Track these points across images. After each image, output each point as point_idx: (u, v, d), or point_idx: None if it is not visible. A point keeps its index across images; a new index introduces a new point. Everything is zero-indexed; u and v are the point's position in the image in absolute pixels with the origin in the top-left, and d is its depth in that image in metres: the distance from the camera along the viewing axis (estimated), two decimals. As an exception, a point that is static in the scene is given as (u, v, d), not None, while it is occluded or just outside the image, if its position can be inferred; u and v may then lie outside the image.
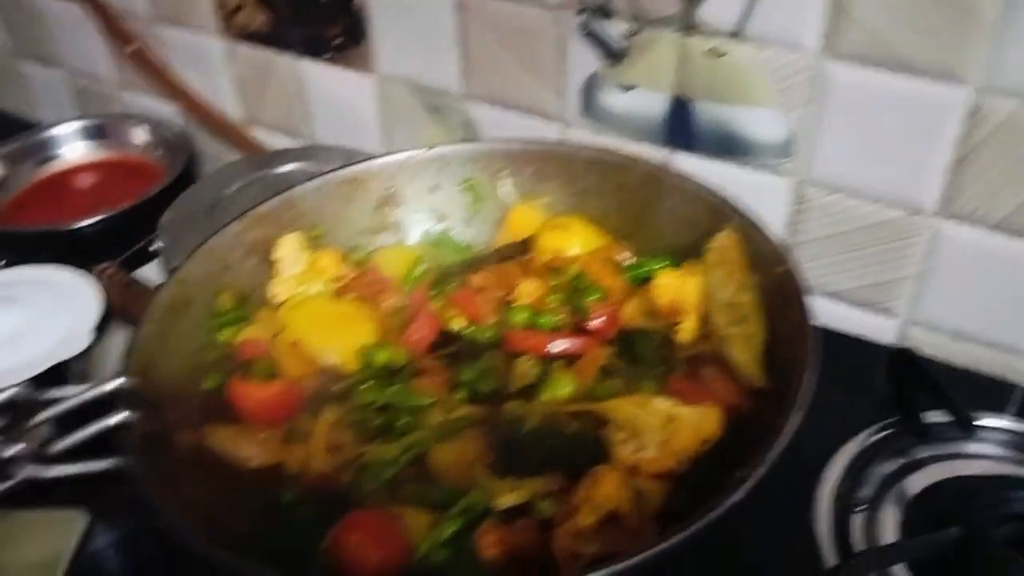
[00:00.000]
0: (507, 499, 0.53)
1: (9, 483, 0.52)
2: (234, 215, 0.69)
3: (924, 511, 0.62)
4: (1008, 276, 0.71)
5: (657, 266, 0.65)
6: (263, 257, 0.69)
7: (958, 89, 0.65)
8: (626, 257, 0.67)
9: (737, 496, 0.45)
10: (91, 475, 0.53)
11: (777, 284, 0.55)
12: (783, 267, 0.55)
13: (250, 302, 0.68)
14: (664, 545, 0.42)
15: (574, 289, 0.63)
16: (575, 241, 0.67)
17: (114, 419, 0.54)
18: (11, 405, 0.56)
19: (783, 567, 0.61)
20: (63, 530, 0.65)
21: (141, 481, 0.50)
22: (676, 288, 0.63)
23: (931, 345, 0.78)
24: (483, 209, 0.74)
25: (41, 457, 0.53)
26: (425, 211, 0.75)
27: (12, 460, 0.53)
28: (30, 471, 0.53)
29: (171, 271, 0.65)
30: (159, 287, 0.64)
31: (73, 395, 0.55)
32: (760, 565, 0.61)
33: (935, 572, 0.57)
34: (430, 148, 0.71)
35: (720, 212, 0.63)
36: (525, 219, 0.70)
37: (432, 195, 0.74)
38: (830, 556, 0.60)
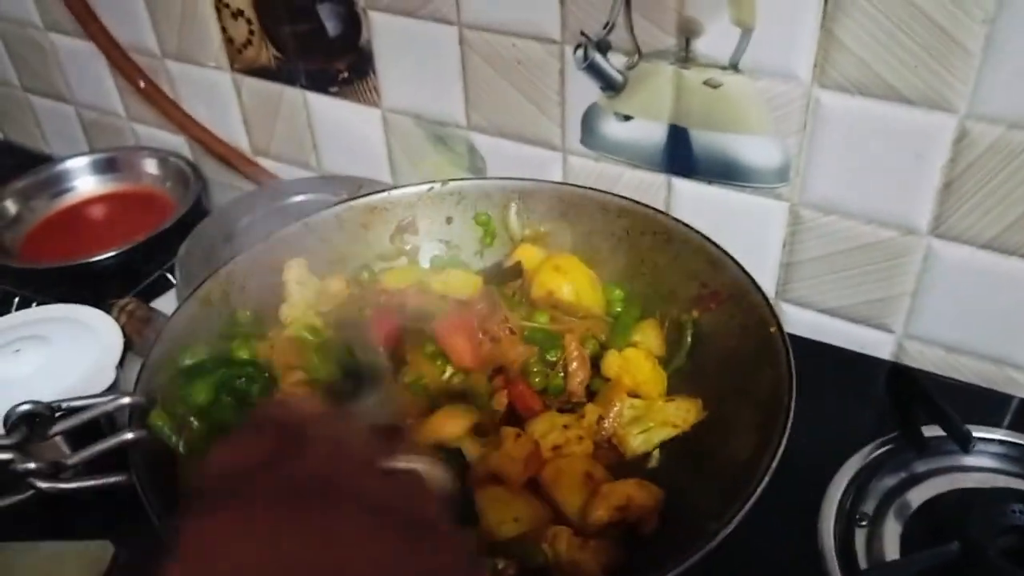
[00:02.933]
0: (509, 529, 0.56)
1: (23, 495, 0.54)
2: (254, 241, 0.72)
3: (924, 525, 0.65)
4: (999, 292, 0.74)
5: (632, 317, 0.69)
6: (279, 280, 0.72)
7: (945, 116, 0.67)
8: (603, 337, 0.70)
9: (708, 548, 0.47)
10: (111, 499, 0.55)
11: (767, 343, 0.58)
12: (774, 327, 0.58)
13: (265, 320, 0.71)
14: None
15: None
16: (569, 283, 0.70)
17: (127, 435, 0.56)
18: (27, 419, 0.57)
19: (789, 583, 0.64)
20: (91, 562, 0.67)
21: (147, 498, 0.52)
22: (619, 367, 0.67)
23: (928, 359, 0.81)
24: (493, 243, 0.77)
25: (56, 472, 0.55)
26: (439, 241, 0.77)
27: (27, 474, 0.55)
28: (45, 485, 0.55)
29: (192, 291, 0.67)
30: (180, 304, 0.66)
31: (87, 408, 0.57)
32: (767, 581, 0.64)
33: (936, 585, 0.60)
34: (445, 183, 0.73)
35: (719, 264, 0.65)
36: (530, 256, 0.72)
37: (447, 226, 0.77)
38: (835, 572, 0.62)
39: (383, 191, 0.72)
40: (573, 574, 0.54)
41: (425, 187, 0.73)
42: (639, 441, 0.62)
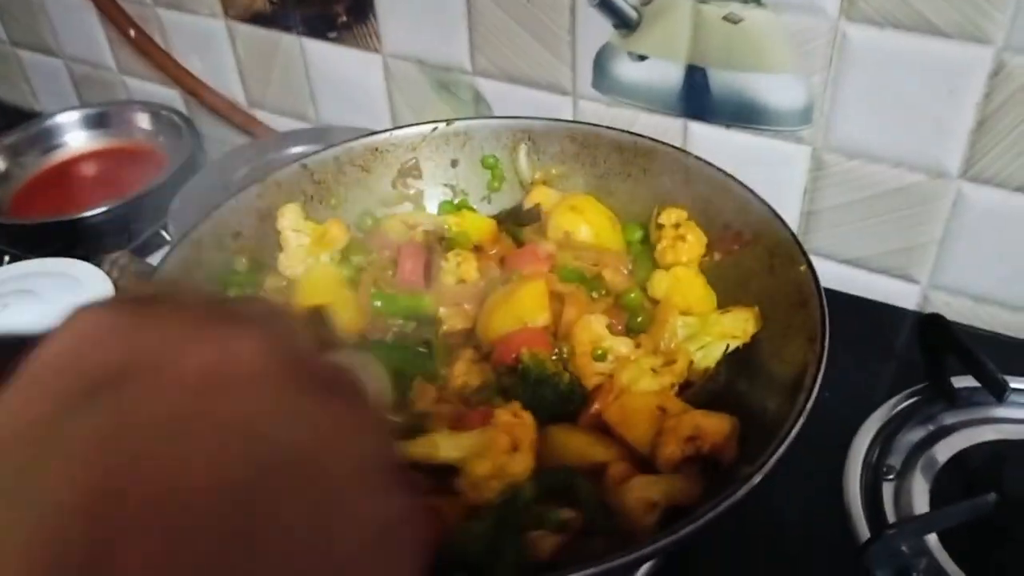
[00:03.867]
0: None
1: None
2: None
3: (955, 478, 0.62)
4: (1032, 238, 0.70)
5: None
6: (274, 226, 0.68)
7: (980, 49, 0.64)
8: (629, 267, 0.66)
9: (742, 493, 0.44)
10: None
11: (795, 283, 0.54)
12: (802, 265, 0.54)
13: (262, 269, 0.67)
14: (672, 538, 0.42)
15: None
16: (587, 223, 0.66)
17: None
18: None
19: (816, 539, 0.61)
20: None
21: None
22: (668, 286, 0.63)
23: (954, 310, 0.78)
24: (502, 188, 0.73)
25: None
26: (444, 186, 0.74)
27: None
28: None
29: (183, 234, 0.63)
30: (171, 249, 0.63)
31: None
32: (793, 537, 0.61)
33: (970, 540, 0.57)
34: (450, 123, 0.70)
35: (742, 203, 0.61)
36: (544, 198, 0.69)
37: (452, 170, 0.73)
38: (862, 527, 0.59)
39: (384, 132, 0.68)
40: (643, 513, 0.51)
41: (429, 127, 0.69)
42: (699, 357, 0.59)
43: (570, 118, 0.85)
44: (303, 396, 0.25)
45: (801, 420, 0.45)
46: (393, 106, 0.96)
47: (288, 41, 0.97)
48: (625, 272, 0.64)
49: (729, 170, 0.79)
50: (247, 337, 0.25)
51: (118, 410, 0.23)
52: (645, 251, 0.66)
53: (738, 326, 0.59)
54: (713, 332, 0.59)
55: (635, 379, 0.57)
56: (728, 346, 0.58)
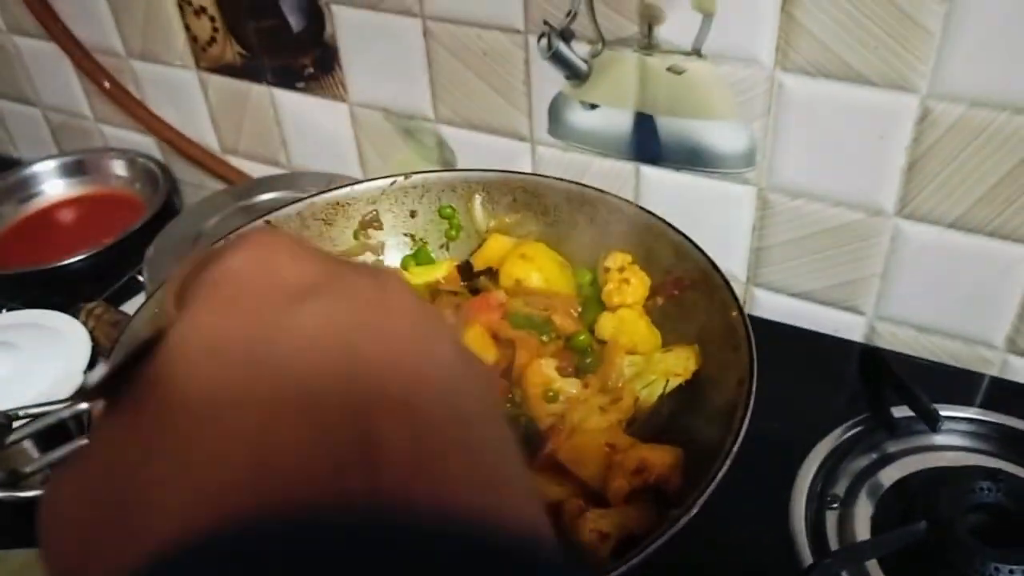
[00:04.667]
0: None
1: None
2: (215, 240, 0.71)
3: (895, 505, 0.65)
4: (968, 271, 0.74)
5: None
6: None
7: (907, 96, 0.67)
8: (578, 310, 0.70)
9: (669, 534, 0.47)
10: None
11: (729, 329, 0.57)
12: (735, 312, 0.58)
13: None
14: (622, 568, 0.45)
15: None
16: (537, 270, 0.70)
17: (84, 441, 0.55)
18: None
19: (762, 565, 0.64)
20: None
21: None
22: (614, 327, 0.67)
23: (899, 340, 0.81)
24: (459, 236, 0.76)
25: (15, 481, 0.54)
26: (404, 235, 0.77)
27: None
28: (2, 495, 0.54)
29: (149, 295, 0.66)
30: (138, 310, 0.65)
31: (46, 415, 0.56)
32: (740, 564, 0.64)
33: (908, 565, 0.60)
34: (408, 176, 0.73)
35: (681, 250, 0.65)
36: (499, 246, 0.72)
37: (411, 220, 0.76)
38: (805, 554, 0.62)
39: (345, 186, 0.71)
40: (597, 545, 0.54)
41: (388, 181, 0.73)
42: (644, 394, 0.62)
43: (529, 163, 0.88)
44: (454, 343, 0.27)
45: (729, 460, 0.48)
46: (361, 152, 0.99)
47: (258, 91, 1.00)
48: (574, 315, 0.67)
49: (681, 210, 0.82)
50: (390, 275, 0.27)
51: (326, 314, 0.24)
52: (594, 293, 0.70)
53: (680, 364, 0.62)
54: (657, 370, 0.62)
55: (585, 417, 0.61)
56: (668, 383, 0.61)
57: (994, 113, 0.65)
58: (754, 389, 0.52)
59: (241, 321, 0.24)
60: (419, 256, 0.77)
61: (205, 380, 0.22)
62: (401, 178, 0.73)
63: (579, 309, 0.68)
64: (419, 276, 0.72)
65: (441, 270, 0.74)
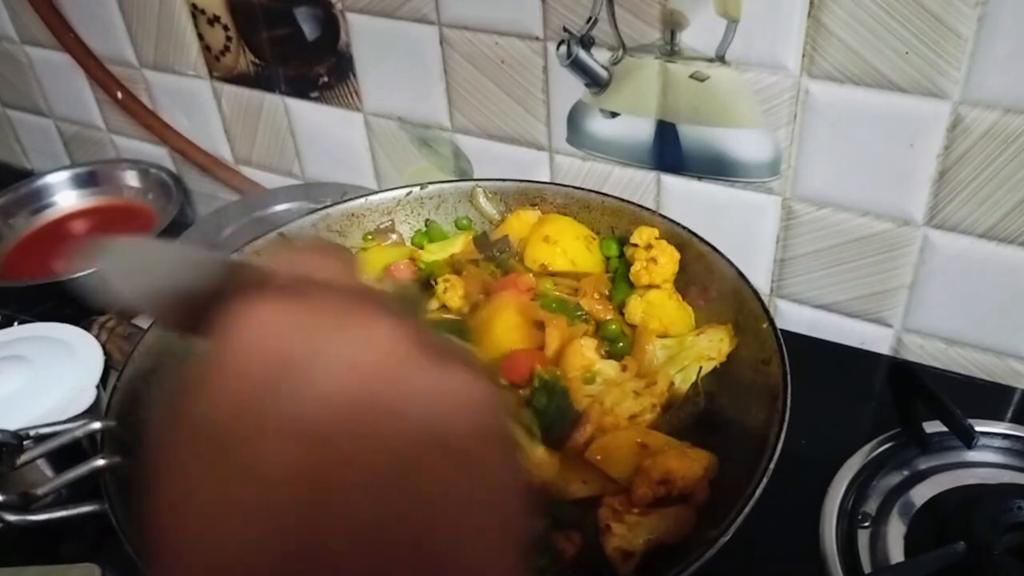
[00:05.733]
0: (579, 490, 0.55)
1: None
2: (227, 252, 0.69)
3: (928, 524, 0.63)
4: (999, 282, 0.72)
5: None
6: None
7: (938, 103, 0.66)
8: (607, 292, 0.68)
9: (706, 556, 0.45)
10: (97, 522, 0.53)
11: (759, 340, 0.56)
12: (765, 323, 0.56)
13: None
14: None
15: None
16: (562, 252, 0.68)
17: (98, 462, 0.54)
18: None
19: (792, 588, 0.62)
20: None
21: (121, 527, 0.50)
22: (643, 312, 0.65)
23: (928, 352, 0.79)
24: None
25: (27, 503, 0.53)
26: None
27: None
28: (14, 518, 0.52)
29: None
30: (147, 328, 0.64)
31: (57, 435, 0.54)
32: (769, 586, 0.62)
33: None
34: (424, 186, 0.71)
35: (707, 261, 0.64)
36: (521, 223, 0.70)
37: (427, 230, 0.74)
38: (838, 575, 0.60)
39: (361, 196, 0.70)
40: (620, 564, 0.52)
41: (403, 191, 0.71)
42: (679, 380, 0.61)
43: (547, 172, 0.87)
44: (435, 371, 0.28)
45: (762, 484, 0.46)
46: (376, 162, 0.98)
47: (272, 101, 0.99)
48: (604, 295, 0.66)
49: (703, 220, 0.81)
50: (384, 324, 0.28)
51: (297, 396, 0.26)
52: (622, 267, 0.68)
53: (713, 346, 0.61)
54: (690, 355, 0.61)
55: (618, 401, 0.59)
56: (701, 369, 0.60)
57: (1029, 120, 0.63)
58: (788, 404, 0.50)
59: (230, 391, 0.26)
60: (432, 233, 0.75)
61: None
62: (417, 188, 0.71)
63: (608, 288, 0.66)
64: (434, 253, 0.70)
65: (457, 245, 0.72)
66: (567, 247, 0.69)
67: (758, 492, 0.46)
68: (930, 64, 0.64)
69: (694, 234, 0.64)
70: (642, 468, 0.55)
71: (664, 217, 0.66)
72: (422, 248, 0.72)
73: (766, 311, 0.57)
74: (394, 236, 0.74)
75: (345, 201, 0.69)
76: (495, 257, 0.68)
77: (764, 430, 0.52)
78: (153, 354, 0.61)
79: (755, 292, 0.58)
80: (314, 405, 0.25)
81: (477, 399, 0.28)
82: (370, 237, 0.71)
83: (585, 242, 0.70)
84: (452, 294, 0.65)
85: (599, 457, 0.57)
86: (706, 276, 0.63)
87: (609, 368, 0.60)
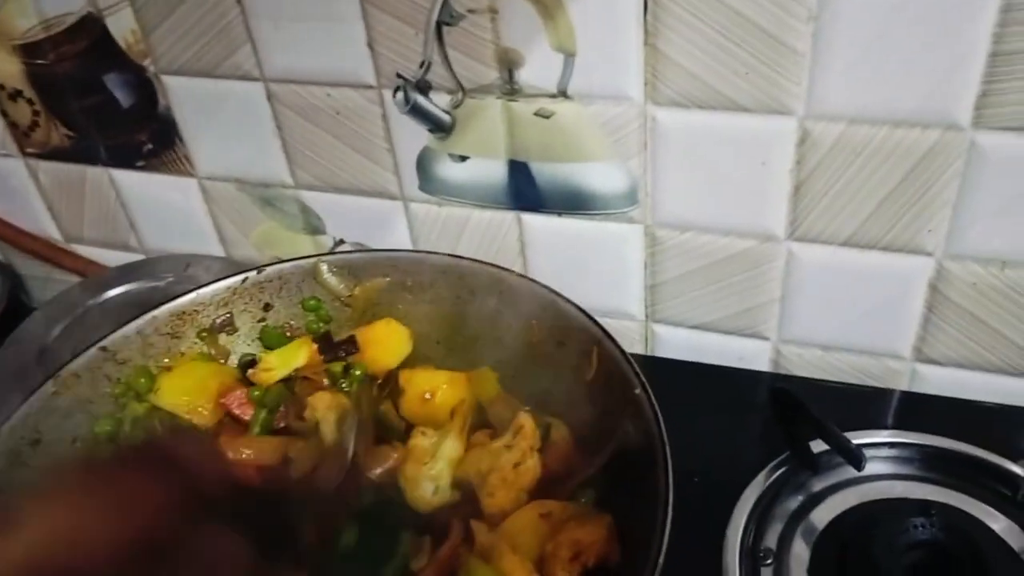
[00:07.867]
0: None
1: None
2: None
3: (829, 550, 0.62)
4: (865, 286, 0.72)
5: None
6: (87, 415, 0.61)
7: (784, 120, 0.64)
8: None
9: None
10: None
11: (633, 405, 0.52)
12: (638, 388, 0.52)
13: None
14: None
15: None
16: (441, 409, 0.62)
17: None
18: None
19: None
20: None
21: None
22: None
23: (806, 361, 0.79)
24: (329, 328, 0.67)
25: None
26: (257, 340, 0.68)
27: None
28: None
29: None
30: None
31: None
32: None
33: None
34: (261, 269, 0.65)
35: (567, 318, 0.60)
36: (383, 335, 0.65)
37: (265, 313, 0.67)
38: (746, 621, 0.58)
39: (190, 292, 0.63)
40: None
41: (239, 279, 0.64)
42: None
43: (404, 221, 0.82)
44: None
45: (664, 544, 0.44)
46: (219, 227, 0.91)
47: (95, 173, 0.91)
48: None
49: (569, 256, 0.78)
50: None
51: None
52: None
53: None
54: None
55: (493, 461, 0.57)
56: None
57: (874, 129, 0.63)
58: (670, 469, 0.47)
59: None
60: (267, 338, 0.67)
61: None
62: (254, 273, 0.65)
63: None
64: (273, 366, 0.62)
65: (299, 355, 0.64)
66: (444, 399, 0.63)
67: (661, 556, 0.43)
68: (771, 83, 0.63)
69: (556, 293, 0.60)
70: (549, 553, 0.52)
71: (522, 276, 0.62)
72: (254, 363, 0.64)
73: (637, 374, 0.53)
74: (234, 332, 0.66)
75: (171, 300, 0.62)
76: (341, 359, 0.63)
77: (654, 485, 0.49)
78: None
79: (622, 350, 0.55)
80: None
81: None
82: (205, 335, 0.64)
83: (449, 380, 0.64)
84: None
85: (511, 544, 0.54)
86: (570, 336, 0.59)
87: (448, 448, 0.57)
